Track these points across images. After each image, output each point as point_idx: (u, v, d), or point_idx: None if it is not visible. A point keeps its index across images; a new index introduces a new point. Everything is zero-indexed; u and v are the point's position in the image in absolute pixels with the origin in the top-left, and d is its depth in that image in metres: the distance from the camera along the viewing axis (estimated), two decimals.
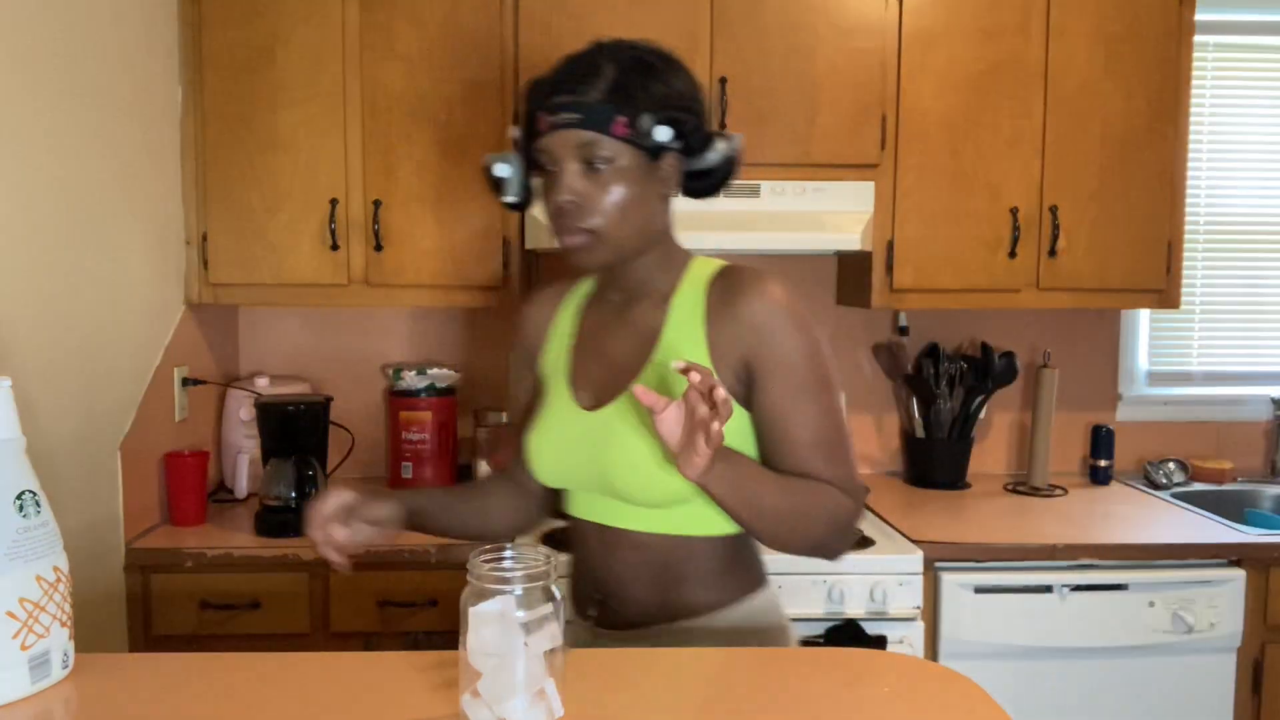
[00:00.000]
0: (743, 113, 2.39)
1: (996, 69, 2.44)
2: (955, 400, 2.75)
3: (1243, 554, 2.22)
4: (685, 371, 1.11)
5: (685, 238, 2.44)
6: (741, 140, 1.36)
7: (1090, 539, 2.22)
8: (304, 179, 2.36)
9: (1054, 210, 2.47)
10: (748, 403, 1.31)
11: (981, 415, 2.80)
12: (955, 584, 2.17)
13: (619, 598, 1.39)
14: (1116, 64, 2.46)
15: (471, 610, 0.99)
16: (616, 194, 1.28)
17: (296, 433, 2.30)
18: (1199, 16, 2.53)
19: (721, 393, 1.10)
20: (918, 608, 2.14)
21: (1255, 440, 2.97)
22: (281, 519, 2.21)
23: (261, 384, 2.57)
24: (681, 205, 2.53)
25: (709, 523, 1.34)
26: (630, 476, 1.29)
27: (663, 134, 1.27)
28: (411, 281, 2.40)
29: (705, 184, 1.37)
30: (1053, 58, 2.45)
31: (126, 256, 2.10)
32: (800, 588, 2.12)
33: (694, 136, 1.30)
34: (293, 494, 2.23)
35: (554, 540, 2.18)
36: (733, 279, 1.33)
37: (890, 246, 2.46)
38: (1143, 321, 2.95)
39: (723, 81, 2.37)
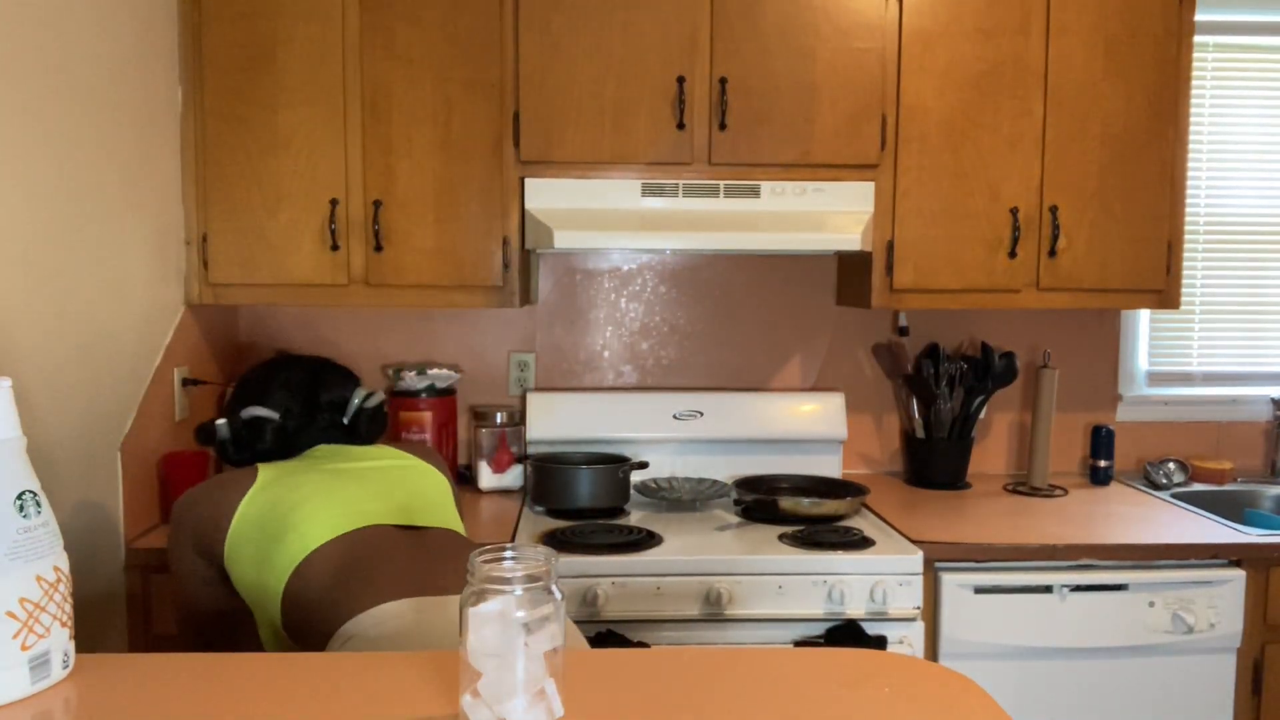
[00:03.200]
0: (743, 113, 2.39)
1: (996, 69, 2.44)
2: (955, 400, 2.75)
3: (1243, 554, 2.22)
4: None
5: (688, 238, 2.46)
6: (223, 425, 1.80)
7: (1090, 539, 2.22)
8: (304, 179, 2.36)
9: (1054, 210, 2.47)
10: None
11: (981, 415, 2.80)
12: (955, 584, 2.17)
13: None
14: (1116, 64, 2.46)
15: (471, 610, 0.99)
16: None
17: None
18: (1199, 16, 2.53)
19: None
20: (918, 608, 2.14)
21: (1255, 440, 2.97)
22: None
23: None
24: (686, 206, 2.53)
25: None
26: None
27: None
28: (411, 281, 2.40)
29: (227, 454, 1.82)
30: (1053, 58, 2.45)
31: (126, 256, 2.10)
32: (800, 588, 2.12)
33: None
34: None
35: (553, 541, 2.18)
36: None
37: (890, 246, 2.46)
38: (1143, 322, 2.95)
39: (723, 81, 2.37)
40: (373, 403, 1.85)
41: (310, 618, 1.48)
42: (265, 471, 1.65)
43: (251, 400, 1.78)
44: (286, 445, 1.76)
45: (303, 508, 1.56)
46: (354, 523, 1.56)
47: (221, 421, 1.79)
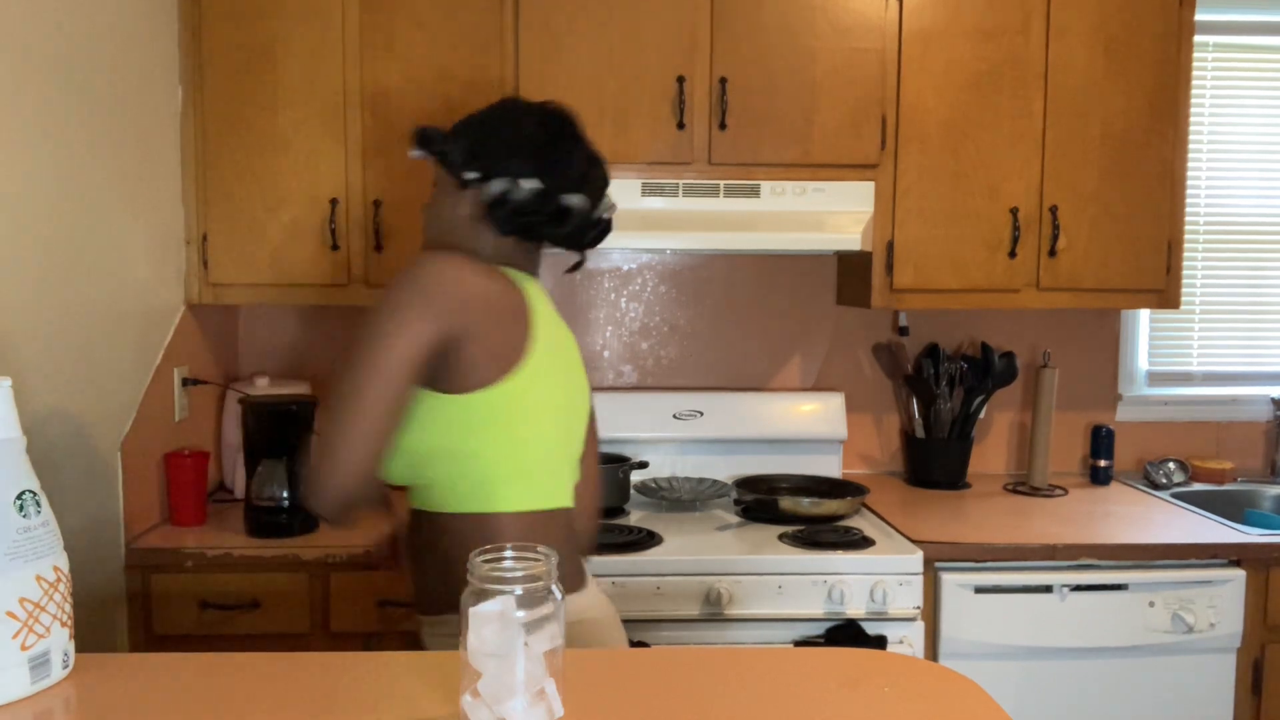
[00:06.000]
0: (743, 113, 2.39)
1: (996, 69, 2.44)
2: (955, 400, 2.75)
3: (1243, 554, 2.22)
4: None
5: (688, 238, 2.45)
6: (531, 185, 1.52)
7: (1090, 539, 2.22)
8: (304, 179, 2.36)
9: (1054, 210, 2.47)
10: None
11: (981, 415, 2.80)
12: (955, 584, 2.17)
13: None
14: (1116, 64, 2.46)
15: (471, 610, 0.99)
16: (428, 204, 1.61)
17: (287, 432, 2.28)
18: (1199, 16, 2.53)
19: None
20: (918, 608, 2.14)
21: (1255, 440, 2.97)
22: (274, 520, 2.21)
23: (261, 384, 2.57)
24: (686, 205, 2.52)
25: (428, 498, 1.50)
26: None
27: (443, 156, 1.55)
28: None
29: (517, 221, 1.53)
30: (1053, 58, 2.45)
31: (126, 256, 2.10)
32: (800, 588, 2.12)
33: (454, 168, 1.54)
34: (284, 494, 2.22)
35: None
36: None
37: (890, 246, 2.46)
38: (1143, 321, 2.95)
39: (723, 81, 2.37)
40: (607, 214, 1.66)
41: (448, 557, 1.45)
42: (536, 329, 1.48)
43: (548, 170, 1.55)
44: (519, 225, 1.54)
45: (534, 447, 1.47)
46: (549, 501, 1.51)
47: (500, 182, 1.52)
